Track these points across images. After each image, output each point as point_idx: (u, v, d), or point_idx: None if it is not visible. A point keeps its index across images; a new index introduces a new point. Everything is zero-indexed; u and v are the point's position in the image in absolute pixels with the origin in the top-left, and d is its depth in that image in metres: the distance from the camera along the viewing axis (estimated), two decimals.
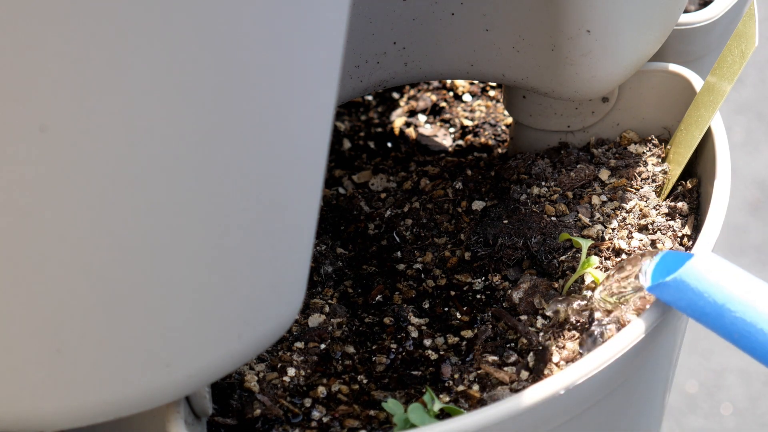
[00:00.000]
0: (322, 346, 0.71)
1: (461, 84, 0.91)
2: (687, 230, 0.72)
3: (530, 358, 0.68)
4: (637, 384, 0.67)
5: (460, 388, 0.67)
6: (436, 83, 0.92)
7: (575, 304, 0.68)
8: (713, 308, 0.60)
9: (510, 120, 0.87)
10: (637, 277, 0.66)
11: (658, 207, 0.74)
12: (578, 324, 0.68)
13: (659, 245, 0.71)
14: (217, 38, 0.49)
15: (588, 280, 0.70)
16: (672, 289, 0.62)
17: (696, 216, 0.73)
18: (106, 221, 0.51)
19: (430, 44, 0.76)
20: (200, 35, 0.48)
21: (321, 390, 0.68)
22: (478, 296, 0.74)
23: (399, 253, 0.77)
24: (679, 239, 0.72)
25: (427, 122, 0.89)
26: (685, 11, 0.87)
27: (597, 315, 0.68)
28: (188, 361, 0.57)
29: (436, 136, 0.88)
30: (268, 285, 0.58)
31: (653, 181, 0.75)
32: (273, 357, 0.69)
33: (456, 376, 0.68)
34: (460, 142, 0.87)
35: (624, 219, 0.73)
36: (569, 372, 0.61)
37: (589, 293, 0.69)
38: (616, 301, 0.67)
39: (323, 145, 0.57)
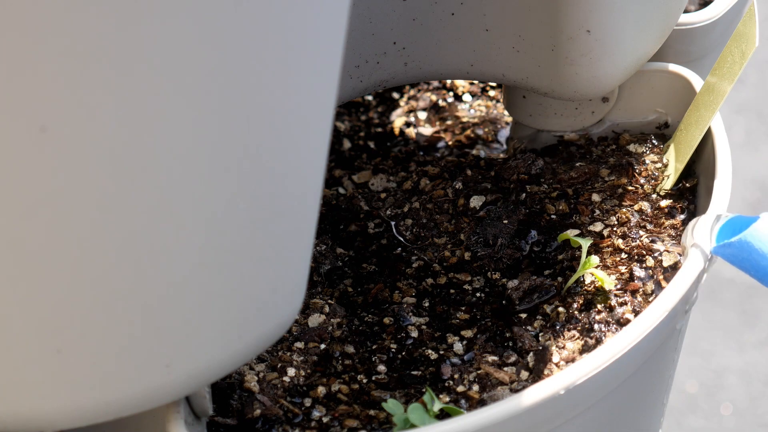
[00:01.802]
0: (322, 346, 0.71)
1: (461, 84, 0.91)
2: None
3: (530, 358, 0.68)
4: (637, 384, 0.67)
5: (460, 388, 0.67)
6: (436, 83, 0.92)
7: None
8: None
9: (510, 120, 0.87)
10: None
11: (657, 206, 0.74)
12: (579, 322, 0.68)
13: (659, 244, 0.71)
14: (216, 38, 0.49)
15: (588, 279, 0.70)
16: (736, 250, 0.65)
17: (696, 216, 0.73)
18: (107, 221, 0.51)
19: (430, 44, 0.76)
20: (199, 35, 0.48)
21: (321, 390, 0.68)
22: (478, 294, 0.74)
23: (399, 250, 0.77)
24: (678, 238, 0.72)
25: (427, 122, 0.89)
26: (685, 11, 0.87)
27: (597, 317, 0.68)
28: (188, 361, 0.57)
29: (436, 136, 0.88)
30: (269, 285, 0.58)
31: (653, 180, 0.75)
32: (273, 357, 0.69)
33: (456, 376, 0.68)
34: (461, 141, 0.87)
35: (623, 218, 0.73)
36: (569, 372, 0.61)
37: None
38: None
39: (323, 145, 0.57)
